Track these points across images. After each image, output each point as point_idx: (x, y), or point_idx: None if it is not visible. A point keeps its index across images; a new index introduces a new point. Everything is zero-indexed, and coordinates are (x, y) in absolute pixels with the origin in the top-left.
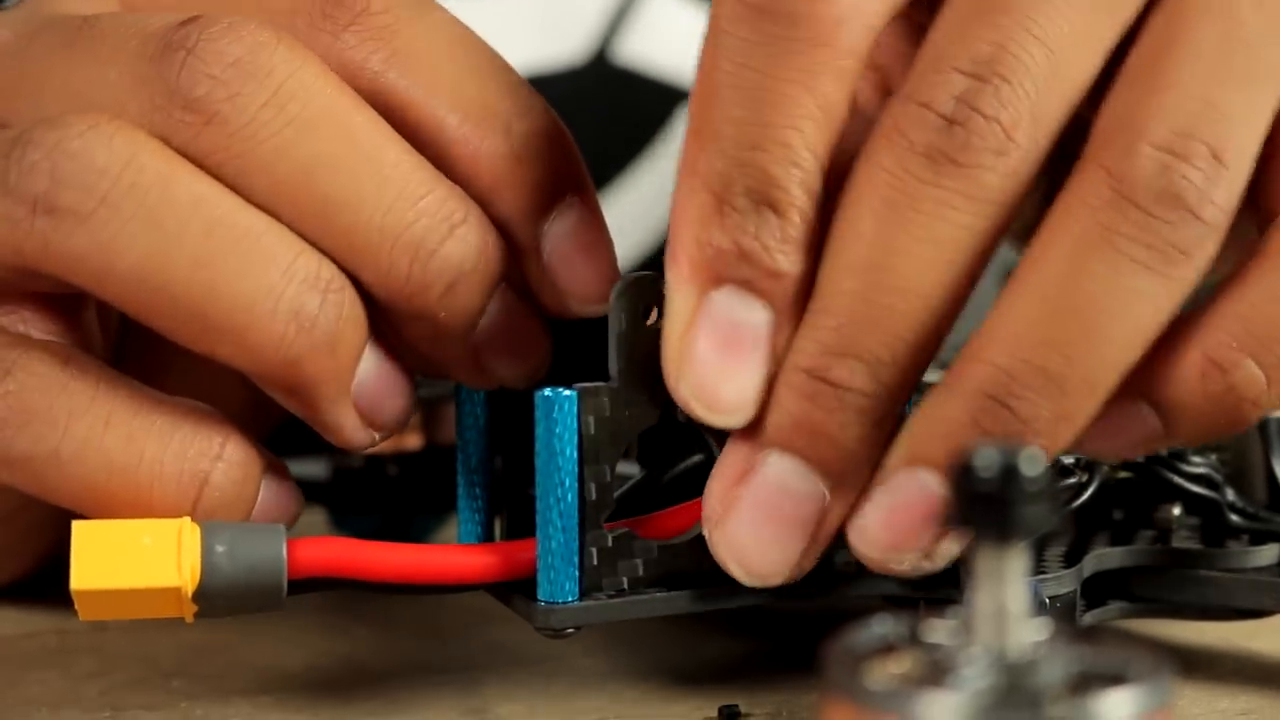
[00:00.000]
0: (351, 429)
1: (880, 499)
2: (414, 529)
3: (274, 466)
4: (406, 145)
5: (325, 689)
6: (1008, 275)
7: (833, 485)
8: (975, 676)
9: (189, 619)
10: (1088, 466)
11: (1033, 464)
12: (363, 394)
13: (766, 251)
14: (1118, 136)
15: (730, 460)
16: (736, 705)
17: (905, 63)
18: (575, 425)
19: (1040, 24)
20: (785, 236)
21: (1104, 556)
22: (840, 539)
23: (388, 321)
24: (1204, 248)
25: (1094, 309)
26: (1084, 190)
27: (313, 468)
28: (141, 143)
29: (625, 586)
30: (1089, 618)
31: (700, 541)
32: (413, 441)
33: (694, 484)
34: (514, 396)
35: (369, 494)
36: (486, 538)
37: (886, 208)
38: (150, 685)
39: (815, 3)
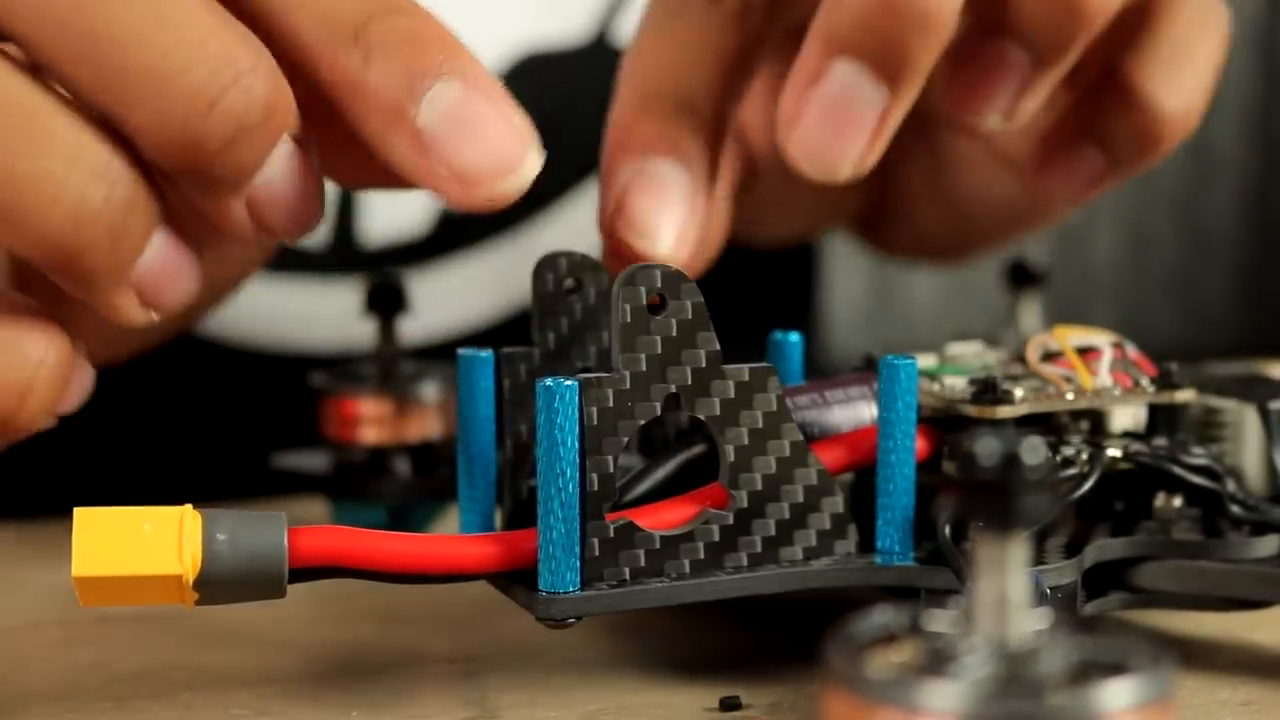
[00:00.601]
0: (128, 311)
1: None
2: (415, 518)
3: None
4: None
5: (327, 679)
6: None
7: (892, 90)
8: (976, 666)
9: (190, 607)
10: (1090, 458)
11: (1034, 453)
12: (145, 278)
13: None
14: None
15: (803, 66)
16: (737, 696)
17: None
18: (577, 415)
19: None
20: None
21: (1105, 547)
22: None
23: (169, 183)
24: None
25: None
26: None
27: (314, 459)
28: None
29: (627, 577)
30: (1090, 608)
31: (701, 532)
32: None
33: (695, 476)
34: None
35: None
36: (487, 527)
37: None
38: (152, 676)
39: None
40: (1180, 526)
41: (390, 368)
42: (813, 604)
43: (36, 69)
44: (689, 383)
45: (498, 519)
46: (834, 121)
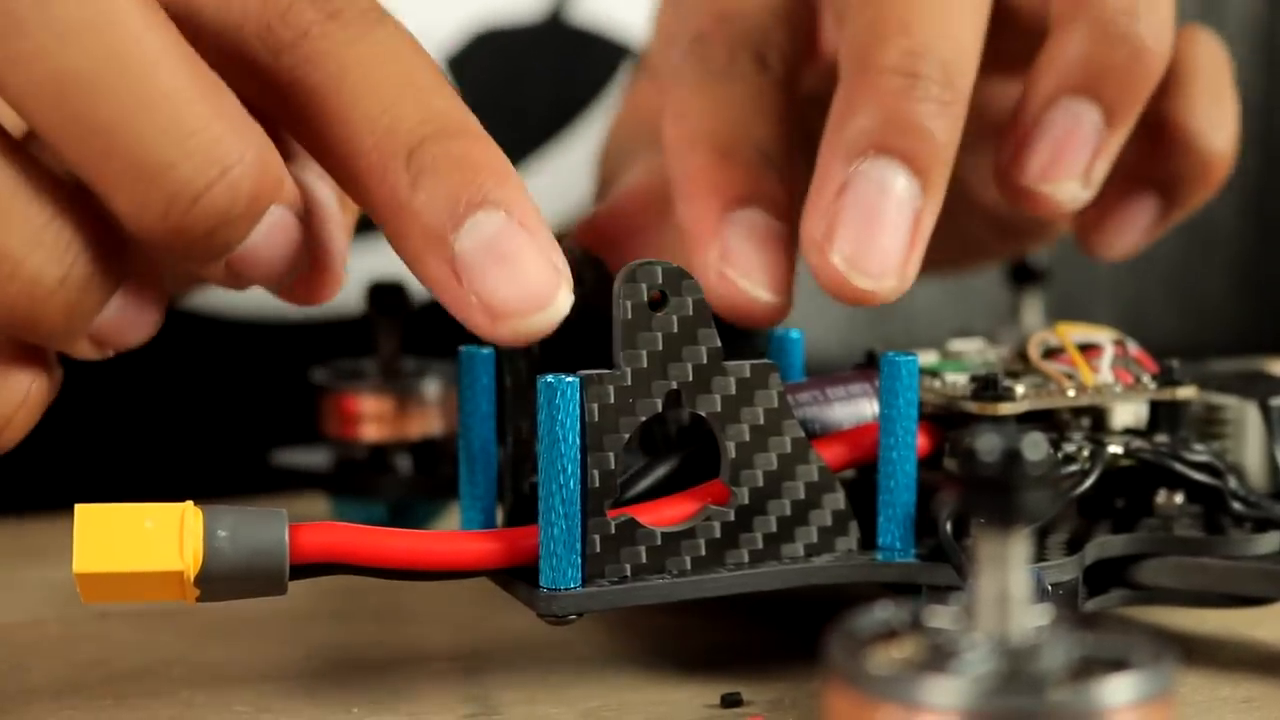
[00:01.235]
0: (82, 352)
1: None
2: (416, 515)
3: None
4: (199, 74)
5: (327, 676)
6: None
7: (924, 184)
8: (977, 662)
9: (191, 603)
10: (1091, 454)
11: (1036, 449)
12: (100, 331)
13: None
14: None
15: (825, 180)
16: (738, 693)
17: None
18: (578, 412)
19: None
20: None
21: (1106, 544)
22: None
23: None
24: None
25: None
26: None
27: (315, 457)
28: None
29: (628, 573)
30: (1091, 605)
31: (702, 529)
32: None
33: (696, 472)
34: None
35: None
36: (488, 524)
37: None
38: (152, 673)
39: None
40: (1182, 523)
41: (391, 365)
42: (814, 601)
43: (12, 140)
44: (690, 379)
45: (499, 515)
46: (870, 223)
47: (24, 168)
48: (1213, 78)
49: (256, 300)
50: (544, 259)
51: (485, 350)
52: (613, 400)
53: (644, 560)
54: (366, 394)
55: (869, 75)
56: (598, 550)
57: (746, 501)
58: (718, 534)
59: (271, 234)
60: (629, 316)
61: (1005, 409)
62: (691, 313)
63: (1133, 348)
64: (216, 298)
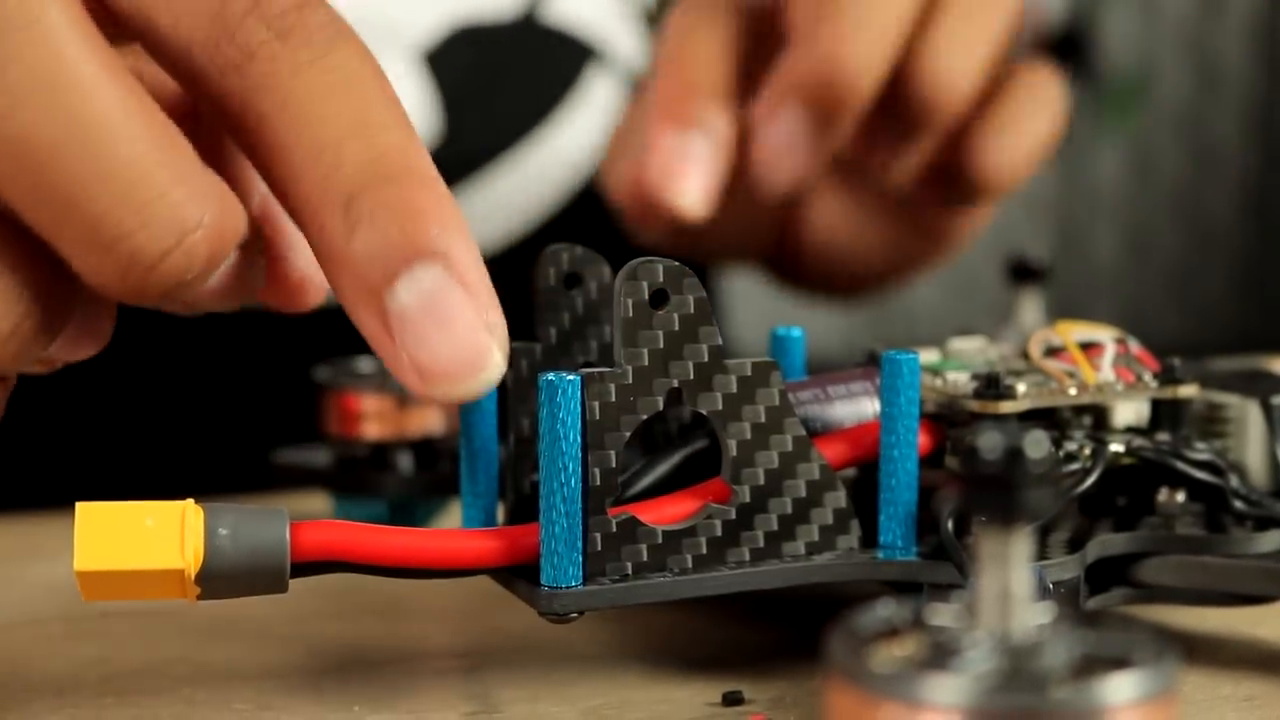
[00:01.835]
0: (28, 370)
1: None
2: (416, 514)
3: None
4: (156, 133)
5: (328, 674)
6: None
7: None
8: (979, 659)
9: (192, 601)
10: (1093, 453)
11: (1038, 447)
12: (47, 357)
13: None
14: None
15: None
16: (740, 691)
17: None
18: (579, 410)
19: None
20: None
21: (1107, 543)
22: None
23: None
24: None
25: None
26: None
27: (316, 455)
28: None
29: (629, 572)
30: (1092, 604)
31: (704, 527)
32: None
33: (697, 470)
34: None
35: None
36: (489, 522)
37: None
38: (153, 671)
39: None
40: (1183, 522)
41: None
42: (815, 599)
43: None
44: (691, 377)
45: (500, 514)
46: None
47: None
48: (1015, 112)
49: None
50: (478, 320)
51: None
52: (614, 398)
53: (645, 558)
54: (367, 392)
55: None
56: (599, 548)
57: (748, 500)
58: (719, 532)
59: (221, 277)
60: (630, 314)
61: (1007, 407)
62: (693, 310)
63: (1134, 346)
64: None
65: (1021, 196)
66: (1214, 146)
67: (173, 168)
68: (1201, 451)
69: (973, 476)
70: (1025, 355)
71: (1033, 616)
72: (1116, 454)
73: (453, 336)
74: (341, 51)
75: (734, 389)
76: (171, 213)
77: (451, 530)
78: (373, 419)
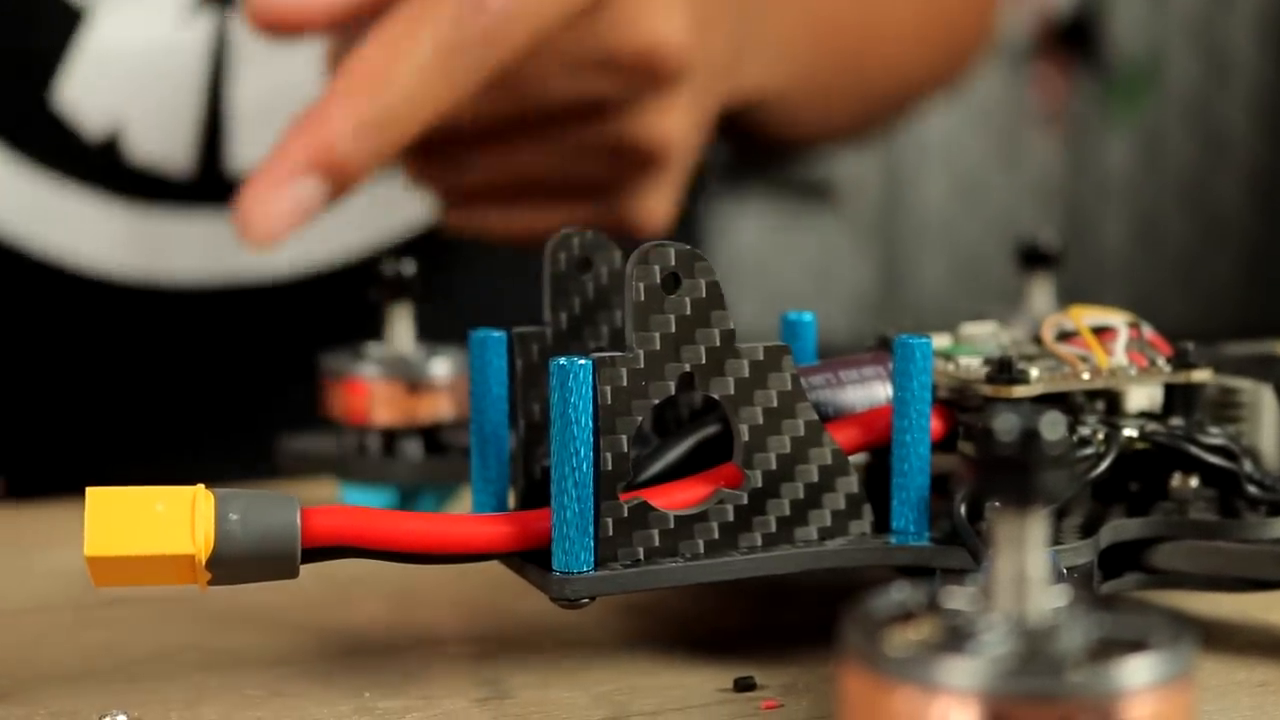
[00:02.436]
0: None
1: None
2: (425, 499)
3: None
4: None
5: (339, 660)
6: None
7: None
8: (995, 642)
9: (202, 587)
10: (1106, 438)
11: (1054, 428)
12: None
13: None
14: None
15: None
16: (751, 676)
17: None
18: (591, 395)
19: None
20: None
21: (1121, 528)
22: None
23: None
24: None
25: None
26: None
27: (324, 441)
28: None
29: (641, 557)
30: (1106, 589)
31: (715, 512)
32: (426, 415)
33: (709, 455)
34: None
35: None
36: (500, 507)
37: None
38: (164, 658)
39: None
40: (1197, 507)
41: (401, 349)
42: (827, 584)
43: None
44: (703, 362)
45: (511, 499)
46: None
47: None
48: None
49: (266, 291)
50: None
51: (496, 333)
52: (625, 383)
53: (657, 544)
54: (376, 378)
55: None
56: (610, 534)
57: (760, 485)
58: (731, 517)
59: None
60: (642, 299)
61: (1020, 392)
62: (704, 295)
63: (1147, 331)
64: (229, 282)
65: (1031, 184)
66: (1222, 133)
67: None
68: (1215, 436)
69: (988, 459)
70: (1037, 340)
71: (1049, 600)
72: (1130, 439)
73: None
74: None
75: (746, 373)
76: None
77: (463, 515)
78: (382, 405)
